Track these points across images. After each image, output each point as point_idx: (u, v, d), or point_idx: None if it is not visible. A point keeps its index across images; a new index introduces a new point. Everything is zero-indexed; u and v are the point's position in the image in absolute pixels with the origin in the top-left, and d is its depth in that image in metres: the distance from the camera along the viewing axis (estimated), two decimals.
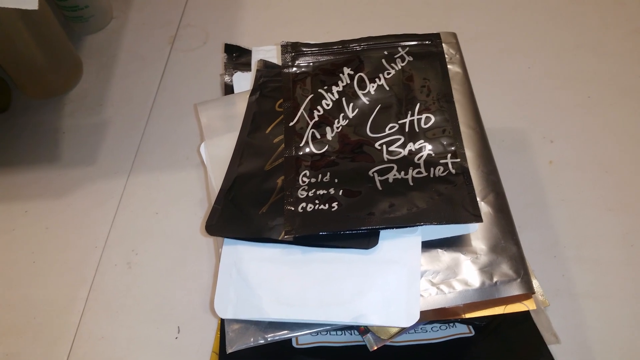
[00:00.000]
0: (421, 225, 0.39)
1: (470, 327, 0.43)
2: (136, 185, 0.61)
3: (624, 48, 0.67)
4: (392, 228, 0.39)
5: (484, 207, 0.41)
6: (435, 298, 0.38)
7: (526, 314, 0.44)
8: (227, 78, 0.61)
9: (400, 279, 0.38)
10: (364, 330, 0.40)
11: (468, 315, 0.39)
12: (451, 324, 0.43)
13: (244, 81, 0.59)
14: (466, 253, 0.39)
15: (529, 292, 0.38)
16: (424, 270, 0.39)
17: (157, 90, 0.70)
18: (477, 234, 0.40)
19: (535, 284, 0.48)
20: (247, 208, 0.42)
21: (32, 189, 0.62)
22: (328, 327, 0.39)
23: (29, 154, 0.65)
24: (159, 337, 0.50)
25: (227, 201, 0.43)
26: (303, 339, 0.42)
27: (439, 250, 0.40)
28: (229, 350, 0.39)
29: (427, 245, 0.40)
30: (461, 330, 0.43)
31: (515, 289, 0.38)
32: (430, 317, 0.39)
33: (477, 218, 0.38)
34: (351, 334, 0.43)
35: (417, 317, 0.37)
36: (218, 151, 0.50)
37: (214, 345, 0.47)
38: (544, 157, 0.59)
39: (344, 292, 0.38)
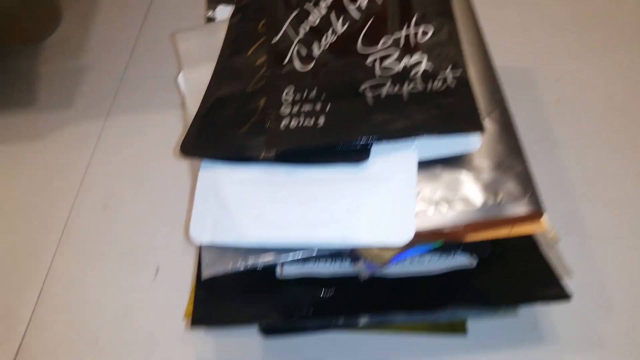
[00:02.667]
0: (418, 137, 0.35)
1: (472, 258, 0.39)
2: (114, 128, 0.58)
3: None
4: (385, 141, 0.35)
5: (488, 124, 0.37)
6: (432, 218, 0.34)
7: (533, 244, 0.40)
8: (210, 13, 0.57)
9: (393, 195, 0.34)
10: (355, 258, 0.37)
11: (469, 239, 0.35)
12: (450, 255, 0.39)
13: (227, 15, 0.55)
14: (467, 171, 0.35)
15: (537, 212, 0.34)
16: (420, 189, 0.35)
17: (138, 33, 0.66)
18: (480, 151, 0.36)
19: (543, 222, 0.45)
20: (226, 128, 0.38)
21: (6, 132, 0.58)
22: (314, 253, 0.35)
23: (3, 98, 0.61)
24: (135, 279, 0.47)
25: (204, 123, 0.40)
26: (288, 270, 0.38)
27: (438, 168, 0.36)
28: (205, 275, 0.35)
29: (424, 165, 0.36)
30: (461, 262, 0.39)
31: (522, 208, 0.34)
32: (427, 239, 0.35)
33: (480, 127, 0.35)
34: (341, 265, 0.39)
35: (411, 235, 0.33)
36: (197, 80, 0.46)
37: (193, 285, 0.43)
38: (550, 95, 0.55)
39: (331, 211, 0.34)
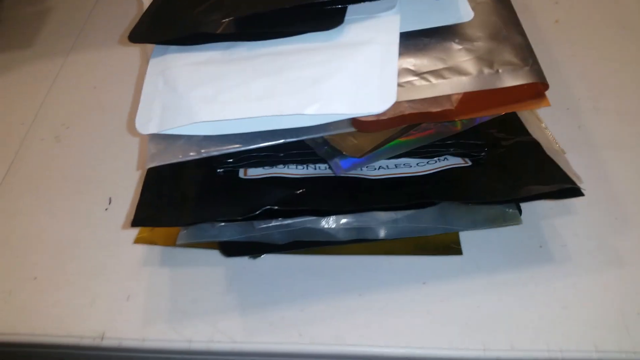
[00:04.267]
0: None
1: (466, 159, 0.34)
2: (75, 63, 0.53)
3: None
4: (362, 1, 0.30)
5: None
6: (418, 88, 0.29)
7: (537, 147, 0.35)
8: None
9: (371, 59, 0.28)
10: (329, 154, 0.31)
11: (462, 118, 0.29)
12: (441, 158, 0.34)
13: None
14: (459, 41, 0.30)
15: (541, 82, 0.29)
16: (404, 60, 0.30)
17: None
18: (473, 22, 0.31)
19: (547, 133, 0.40)
20: (182, 9, 0.33)
21: None
22: (281, 140, 0.29)
23: None
24: (86, 209, 0.41)
25: (157, 11, 0.35)
26: (253, 171, 0.33)
27: (425, 39, 0.31)
28: (149, 165, 0.29)
29: (409, 36, 0.31)
30: (454, 162, 0.34)
31: (522, 77, 0.29)
32: (413, 119, 0.29)
33: None
34: (315, 168, 0.33)
35: (393, 100, 0.27)
36: None
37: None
38: (549, 17, 0.50)
39: (300, 79, 0.28)
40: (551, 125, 0.40)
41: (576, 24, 0.49)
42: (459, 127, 0.31)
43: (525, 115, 0.39)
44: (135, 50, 0.53)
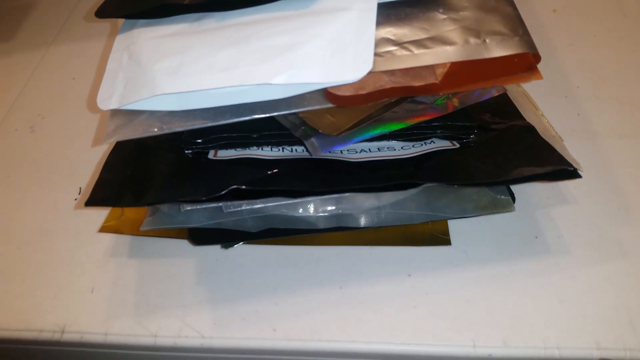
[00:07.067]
0: None
1: (454, 141, 0.31)
2: (56, 55, 0.52)
3: None
4: None
5: None
6: (399, 58, 0.27)
7: (531, 128, 0.32)
8: None
9: (347, 26, 0.26)
10: (305, 134, 0.29)
11: (447, 92, 0.27)
12: (428, 141, 0.32)
13: None
14: (444, 11, 0.28)
15: (532, 52, 0.27)
16: (383, 30, 0.28)
17: None
18: None
19: (543, 120, 0.37)
20: None
21: None
22: (247, 116, 0.27)
23: None
24: (55, 199, 0.39)
25: None
26: (223, 152, 0.31)
27: (407, 9, 0.28)
28: (106, 140, 0.27)
29: (390, 6, 0.29)
30: (441, 145, 0.31)
31: (512, 47, 0.27)
32: (391, 94, 0.27)
33: None
34: (291, 150, 0.31)
35: (368, 67, 0.25)
36: None
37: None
38: (546, 6, 0.48)
39: (269, 49, 0.26)
40: (549, 113, 0.37)
41: (574, 12, 0.47)
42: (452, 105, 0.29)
43: (521, 102, 0.37)
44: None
